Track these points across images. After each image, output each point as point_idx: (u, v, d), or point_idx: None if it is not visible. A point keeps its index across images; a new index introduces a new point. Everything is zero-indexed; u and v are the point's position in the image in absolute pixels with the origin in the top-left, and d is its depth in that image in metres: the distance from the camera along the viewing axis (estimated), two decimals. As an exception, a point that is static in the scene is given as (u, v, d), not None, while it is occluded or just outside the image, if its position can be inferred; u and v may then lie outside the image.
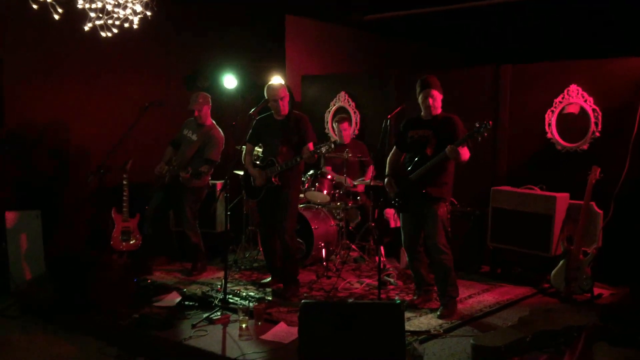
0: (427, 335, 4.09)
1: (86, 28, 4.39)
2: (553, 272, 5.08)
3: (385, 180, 4.79)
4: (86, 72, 6.14)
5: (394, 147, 4.88)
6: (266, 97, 5.05)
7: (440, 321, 4.39)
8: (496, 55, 8.08)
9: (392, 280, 5.45)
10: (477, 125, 4.28)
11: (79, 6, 4.24)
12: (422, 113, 4.68)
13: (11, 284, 5.28)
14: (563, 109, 5.75)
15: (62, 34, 5.40)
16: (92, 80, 6.21)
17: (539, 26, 8.76)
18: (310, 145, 4.96)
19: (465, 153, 4.42)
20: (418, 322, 4.38)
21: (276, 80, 5.81)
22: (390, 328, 3.52)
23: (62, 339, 4.47)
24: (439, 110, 4.64)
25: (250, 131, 5.22)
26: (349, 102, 7.28)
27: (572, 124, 5.70)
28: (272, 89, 5.04)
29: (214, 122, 5.83)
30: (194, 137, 5.71)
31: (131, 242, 5.75)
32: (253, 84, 7.27)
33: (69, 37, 5.51)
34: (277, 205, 5.02)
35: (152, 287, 5.11)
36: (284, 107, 5.05)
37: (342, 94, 7.32)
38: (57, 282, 4.95)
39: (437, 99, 4.60)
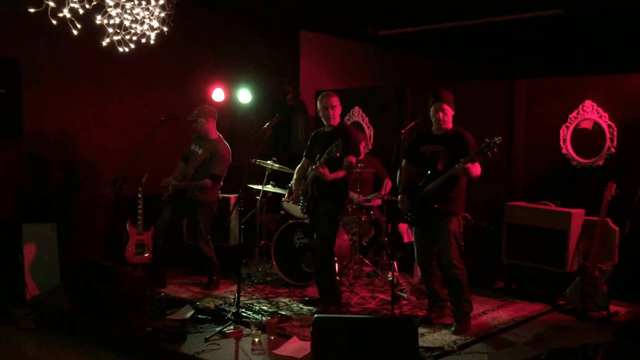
0: (441, 352, 4.06)
1: (104, 43, 4.45)
2: (568, 289, 5.03)
3: (399, 195, 4.78)
4: (104, 85, 6.25)
5: (404, 161, 4.85)
6: (318, 107, 4.97)
7: (454, 337, 4.36)
8: (512, 70, 8.09)
9: (405, 295, 5.42)
10: (487, 140, 4.24)
11: (97, 22, 4.30)
12: (433, 127, 4.66)
13: (27, 295, 5.34)
14: (577, 124, 5.73)
15: (81, 48, 5.48)
16: (109, 93, 6.31)
17: (554, 41, 8.76)
18: (351, 159, 4.76)
19: (476, 169, 4.39)
20: (432, 337, 4.35)
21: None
22: (403, 344, 3.51)
23: (76, 350, 4.50)
24: (450, 125, 4.60)
25: (307, 145, 5.14)
26: (362, 117, 7.29)
27: (587, 139, 5.67)
28: (323, 96, 4.96)
29: (220, 135, 5.78)
30: (199, 151, 5.69)
31: (145, 255, 5.78)
32: (267, 98, 7.32)
33: (87, 51, 5.60)
34: (316, 218, 4.95)
35: (166, 300, 5.12)
36: (334, 117, 4.88)
37: (356, 108, 7.33)
38: (72, 294, 4.99)
39: (448, 113, 4.55)
